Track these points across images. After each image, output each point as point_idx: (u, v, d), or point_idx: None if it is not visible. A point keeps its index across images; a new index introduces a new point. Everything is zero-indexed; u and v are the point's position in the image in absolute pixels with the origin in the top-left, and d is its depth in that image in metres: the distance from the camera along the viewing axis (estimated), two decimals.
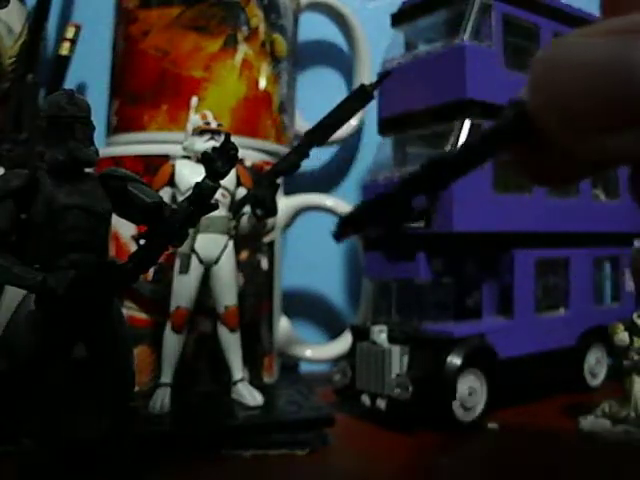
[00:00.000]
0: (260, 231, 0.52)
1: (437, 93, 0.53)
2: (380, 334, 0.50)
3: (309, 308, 0.77)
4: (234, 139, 0.28)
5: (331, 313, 0.78)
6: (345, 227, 0.19)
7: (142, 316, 0.51)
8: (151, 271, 0.49)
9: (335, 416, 0.46)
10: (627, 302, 0.63)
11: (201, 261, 0.47)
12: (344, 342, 0.60)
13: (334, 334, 0.68)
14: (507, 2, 0.54)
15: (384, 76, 0.46)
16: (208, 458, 0.42)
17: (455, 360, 0.48)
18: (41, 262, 0.29)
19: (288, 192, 0.62)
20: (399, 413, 0.48)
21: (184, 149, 0.49)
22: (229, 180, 0.48)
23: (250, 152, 0.56)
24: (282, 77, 0.62)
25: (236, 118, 0.57)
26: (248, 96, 0.58)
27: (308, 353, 0.63)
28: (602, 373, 0.60)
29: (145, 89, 0.57)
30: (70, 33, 0.64)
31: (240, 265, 0.52)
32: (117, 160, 0.52)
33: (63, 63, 0.64)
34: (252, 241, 0.54)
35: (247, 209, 0.48)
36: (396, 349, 0.49)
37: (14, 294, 0.30)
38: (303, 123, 0.66)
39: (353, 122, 0.69)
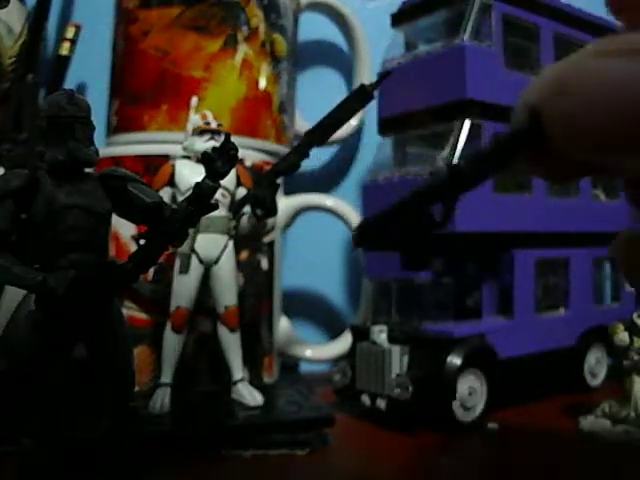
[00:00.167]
0: (260, 231, 0.52)
1: (437, 93, 0.53)
2: (380, 334, 0.50)
3: (309, 308, 0.77)
4: (234, 139, 0.28)
5: (331, 313, 0.78)
6: (363, 235, 0.19)
7: (142, 316, 0.51)
8: (151, 271, 0.49)
9: (335, 416, 0.46)
10: (627, 302, 0.63)
11: (201, 261, 0.47)
12: (344, 342, 0.60)
13: (334, 334, 0.68)
14: (507, 2, 0.54)
15: (384, 76, 0.46)
16: (208, 458, 0.42)
17: (455, 360, 0.48)
18: (41, 262, 0.29)
19: (288, 192, 0.62)
20: (399, 413, 0.48)
21: (184, 149, 0.49)
22: (229, 180, 0.48)
23: (250, 152, 0.56)
24: (282, 77, 0.62)
25: (236, 118, 0.57)
26: (248, 96, 0.58)
27: (308, 353, 0.63)
28: (602, 373, 0.60)
29: (145, 89, 0.57)
30: (70, 33, 0.64)
31: (240, 265, 0.52)
32: (117, 160, 0.52)
33: (63, 63, 0.64)
34: (252, 241, 0.54)
35: (247, 209, 0.48)
36: (396, 349, 0.49)
37: (14, 294, 0.30)
38: (303, 123, 0.66)
39: (353, 122, 0.69)
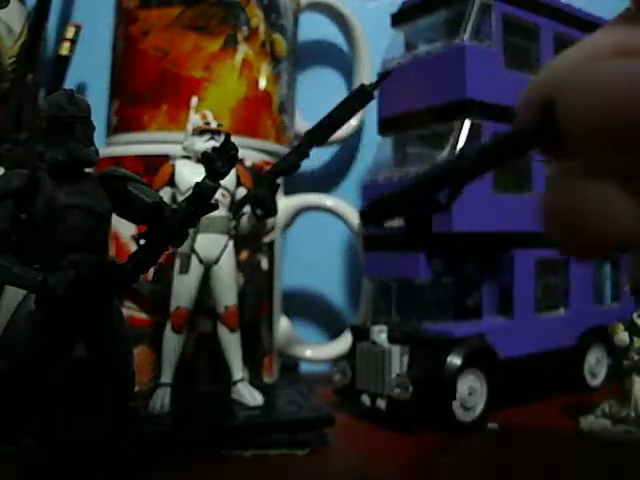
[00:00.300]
0: (260, 231, 0.52)
1: (437, 93, 0.53)
2: (380, 334, 0.50)
3: (309, 308, 0.77)
4: (234, 139, 0.28)
5: (331, 313, 0.78)
6: (372, 213, 0.19)
7: (142, 316, 0.51)
8: (151, 271, 0.49)
9: (335, 416, 0.46)
10: (627, 302, 0.63)
11: (201, 261, 0.47)
12: (344, 342, 0.60)
13: (334, 334, 0.68)
14: (507, 2, 0.54)
15: (384, 76, 0.46)
16: (208, 458, 0.42)
17: (455, 360, 0.48)
18: (41, 262, 0.29)
19: (288, 192, 0.62)
20: (399, 413, 0.48)
21: (184, 149, 0.49)
22: (229, 180, 0.48)
23: (250, 152, 0.56)
24: (282, 77, 0.62)
25: (236, 118, 0.57)
26: (248, 96, 0.58)
27: (308, 353, 0.63)
28: (602, 373, 0.60)
29: (145, 89, 0.57)
30: (70, 33, 0.64)
31: (240, 265, 0.52)
32: (117, 160, 0.52)
33: (63, 63, 0.64)
34: (252, 241, 0.54)
35: (247, 209, 0.48)
36: (396, 349, 0.49)
37: (14, 294, 0.30)
38: (303, 123, 0.66)
39: (353, 122, 0.69)
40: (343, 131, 0.64)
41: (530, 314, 0.55)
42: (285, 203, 0.60)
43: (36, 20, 0.57)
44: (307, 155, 0.47)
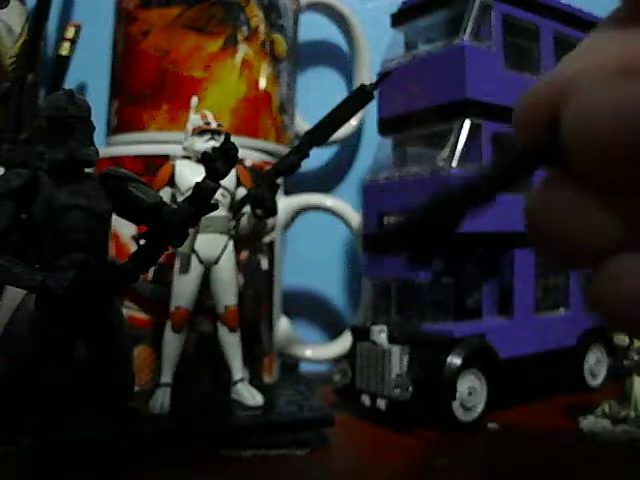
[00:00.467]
0: (260, 231, 0.52)
1: (437, 93, 0.53)
2: (380, 334, 0.50)
3: (309, 308, 0.77)
4: (234, 139, 0.28)
5: (331, 313, 0.78)
6: (387, 242, 0.19)
7: (142, 316, 0.51)
8: (151, 271, 0.49)
9: (335, 416, 0.46)
10: None
11: (201, 261, 0.47)
12: (344, 342, 0.60)
13: (334, 334, 0.68)
14: (507, 2, 0.54)
15: (384, 76, 0.46)
16: (208, 458, 0.42)
17: (455, 360, 0.48)
18: (41, 262, 0.29)
19: (288, 192, 0.62)
20: (399, 413, 0.48)
21: (184, 149, 0.49)
22: (229, 180, 0.48)
23: (250, 152, 0.56)
24: (282, 77, 0.62)
25: (236, 118, 0.57)
26: (248, 96, 0.58)
27: (308, 353, 0.63)
28: (602, 373, 0.60)
29: (145, 89, 0.57)
30: (70, 33, 0.64)
31: (240, 265, 0.52)
32: (117, 160, 0.52)
33: (63, 63, 0.64)
34: (252, 241, 0.54)
35: (247, 209, 0.48)
36: (396, 349, 0.49)
37: (14, 294, 0.30)
38: (303, 123, 0.66)
39: (353, 122, 0.69)
40: (343, 131, 0.64)
41: (530, 314, 0.55)
42: (285, 203, 0.60)
43: (36, 20, 0.57)
44: (307, 155, 0.46)
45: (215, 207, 0.29)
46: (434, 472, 0.41)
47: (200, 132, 0.48)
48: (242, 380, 0.49)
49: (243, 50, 0.58)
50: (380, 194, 0.56)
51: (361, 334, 0.52)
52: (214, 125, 0.48)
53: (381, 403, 0.49)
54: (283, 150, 0.59)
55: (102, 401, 0.30)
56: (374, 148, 0.61)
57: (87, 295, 0.28)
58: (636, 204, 0.15)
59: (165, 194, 0.47)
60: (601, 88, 0.15)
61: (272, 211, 0.48)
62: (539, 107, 0.17)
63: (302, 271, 0.73)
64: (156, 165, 0.50)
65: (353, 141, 0.77)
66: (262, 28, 0.59)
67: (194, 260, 0.47)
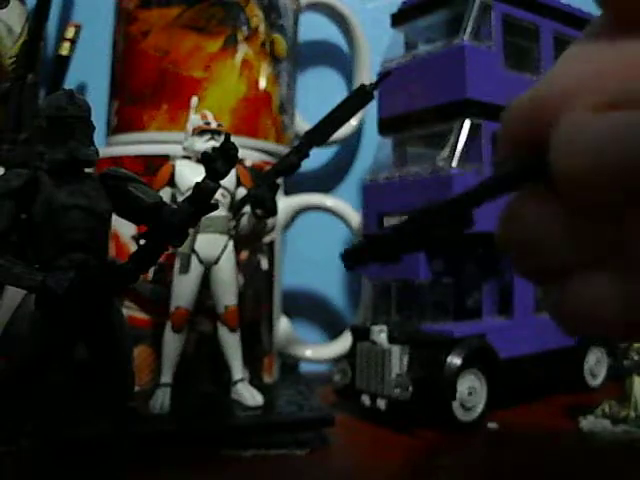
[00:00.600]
0: (260, 231, 0.52)
1: (437, 93, 0.53)
2: (380, 334, 0.50)
3: (309, 308, 0.77)
4: (234, 139, 0.28)
5: (331, 313, 0.78)
6: (360, 255, 0.19)
7: (142, 316, 0.51)
8: (151, 271, 0.49)
9: (335, 416, 0.46)
10: None
11: (201, 261, 0.47)
12: (344, 342, 0.60)
13: (334, 334, 0.68)
14: (507, 2, 0.54)
15: (384, 76, 0.46)
16: (208, 458, 0.42)
17: (455, 360, 0.48)
18: (41, 262, 0.29)
19: (288, 192, 0.62)
20: (399, 413, 0.48)
21: (184, 149, 0.49)
22: (229, 180, 0.48)
23: (250, 152, 0.56)
24: (282, 77, 0.62)
25: (236, 118, 0.57)
26: (248, 96, 0.58)
27: (308, 353, 0.63)
28: (602, 373, 0.60)
29: (145, 89, 0.57)
30: (70, 33, 0.64)
31: (240, 265, 0.52)
32: (117, 160, 0.52)
33: (63, 63, 0.64)
34: (252, 241, 0.54)
35: (247, 209, 0.48)
36: (396, 349, 0.49)
37: (14, 294, 0.30)
38: (303, 123, 0.66)
39: (353, 122, 0.69)
40: (343, 131, 0.64)
41: (530, 314, 0.55)
42: (285, 203, 0.60)
43: (36, 20, 0.57)
44: (307, 155, 0.46)
45: (215, 207, 0.29)
46: (434, 472, 0.41)
47: (200, 132, 0.48)
48: (242, 380, 0.49)
49: (243, 50, 0.58)
50: (380, 194, 0.56)
51: (361, 334, 0.52)
52: (214, 125, 0.48)
53: (381, 403, 0.49)
54: (283, 150, 0.59)
55: (102, 401, 0.30)
56: (374, 148, 0.61)
57: (87, 295, 0.28)
58: (614, 227, 0.16)
59: (165, 194, 0.47)
60: (585, 123, 0.15)
61: (272, 211, 0.48)
62: (522, 125, 0.17)
63: (302, 271, 0.73)
64: (156, 165, 0.50)
65: (353, 141, 0.77)
66: (262, 28, 0.59)
67: (194, 260, 0.47)
